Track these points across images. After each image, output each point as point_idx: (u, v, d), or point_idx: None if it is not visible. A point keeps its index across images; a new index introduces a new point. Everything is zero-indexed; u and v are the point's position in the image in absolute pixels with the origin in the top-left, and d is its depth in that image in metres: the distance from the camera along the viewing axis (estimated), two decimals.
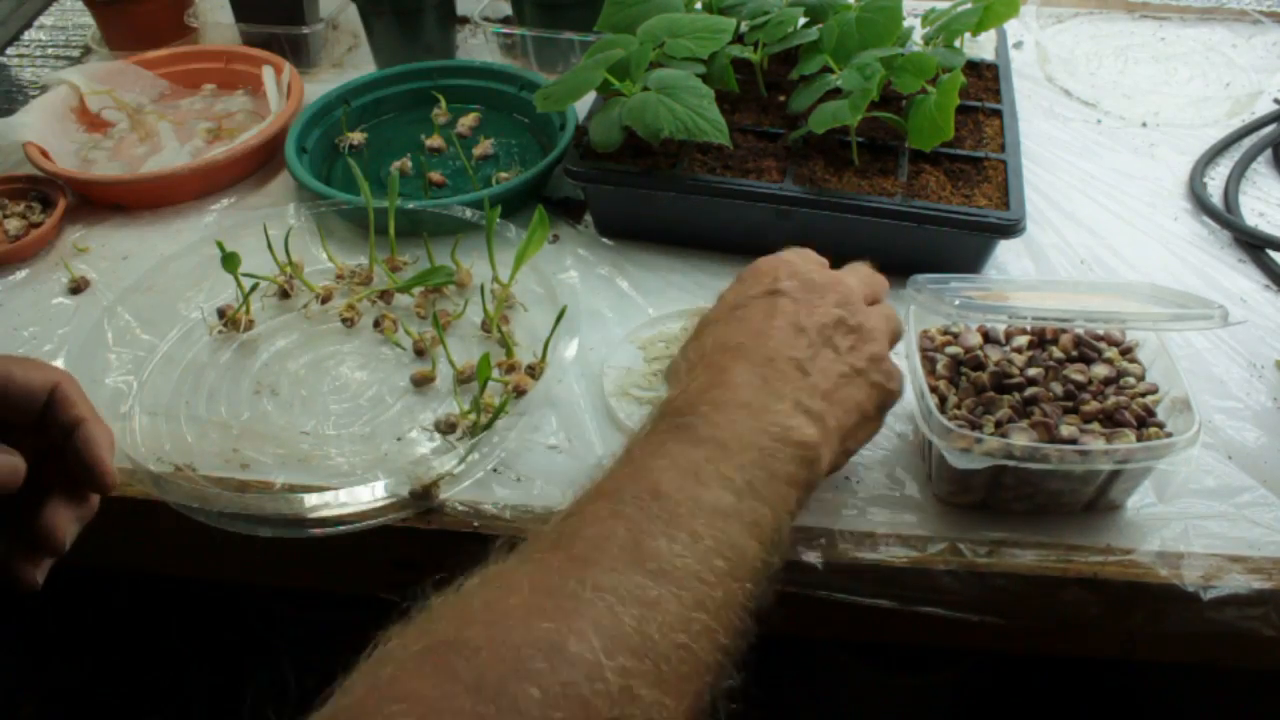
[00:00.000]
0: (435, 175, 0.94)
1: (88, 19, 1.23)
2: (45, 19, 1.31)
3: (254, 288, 0.78)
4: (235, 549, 0.66)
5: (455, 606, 0.43)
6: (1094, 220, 0.90)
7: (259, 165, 0.98)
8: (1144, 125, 1.04)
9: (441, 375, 0.74)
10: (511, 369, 0.74)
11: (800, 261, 0.60)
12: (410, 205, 0.84)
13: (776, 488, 0.49)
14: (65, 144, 0.98)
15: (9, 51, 1.25)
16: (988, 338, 0.69)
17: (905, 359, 0.67)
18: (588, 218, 0.89)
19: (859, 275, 0.61)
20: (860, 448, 0.58)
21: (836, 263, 0.83)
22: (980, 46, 1.06)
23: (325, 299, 0.80)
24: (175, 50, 1.10)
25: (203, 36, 1.17)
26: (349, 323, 0.78)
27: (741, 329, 0.56)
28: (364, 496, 0.64)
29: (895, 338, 0.61)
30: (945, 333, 0.69)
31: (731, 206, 0.81)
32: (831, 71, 0.85)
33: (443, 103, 1.02)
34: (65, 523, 0.52)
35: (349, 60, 1.17)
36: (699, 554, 0.44)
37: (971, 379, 0.65)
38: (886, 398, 0.58)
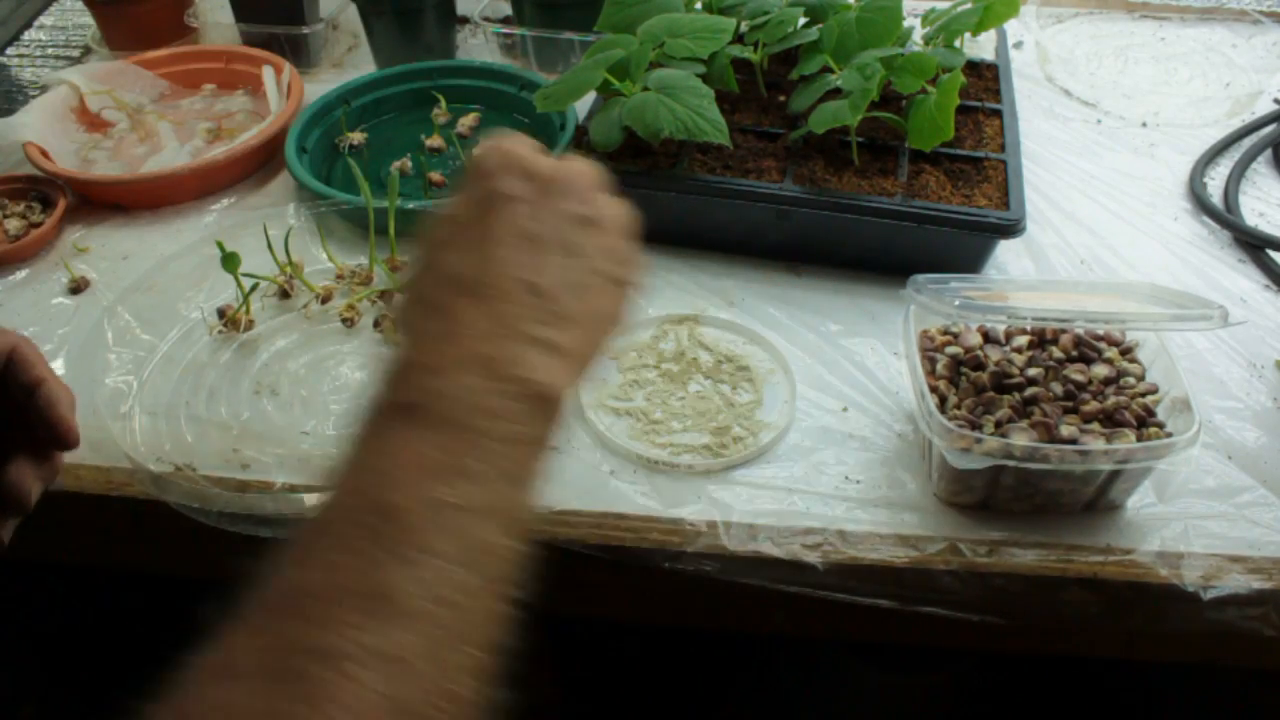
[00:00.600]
0: (435, 175, 0.94)
1: (88, 19, 1.23)
2: (45, 19, 1.31)
3: (254, 288, 0.78)
4: (235, 549, 0.66)
5: (180, 706, 0.38)
6: (1094, 220, 0.90)
7: (259, 165, 0.98)
8: (1144, 125, 1.04)
9: None
10: None
11: (523, 154, 0.52)
12: (410, 205, 0.84)
13: (519, 457, 0.45)
14: (65, 144, 0.98)
15: (9, 51, 1.25)
16: (988, 338, 0.69)
17: (905, 359, 0.67)
18: None
19: (582, 161, 0.54)
20: (605, 352, 0.52)
21: (836, 263, 0.83)
22: (980, 46, 1.06)
23: (325, 299, 0.80)
24: (175, 50, 1.10)
25: (203, 36, 1.17)
26: (349, 323, 0.78)
27: (469, 254, 0.49)
28: None
29: (631, 222, 0.55)
30: (945, 333, 0.69)
31: (731, 206, 0.81)
32: (831, 71, 0.85)
33: (442, 103, 1.02)
34: (30, 481, 0.52)
35: (349, 60, 1.17)
36: (443, 573, 0.40)
37: (971, 379, 0.65)
38: (624, 291, 0.52)
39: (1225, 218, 0.89)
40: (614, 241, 0.52)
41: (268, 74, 1.05)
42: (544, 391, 0.46)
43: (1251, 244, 0.87)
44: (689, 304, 0.80)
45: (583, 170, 0.53)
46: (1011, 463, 0.58)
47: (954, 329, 0.69)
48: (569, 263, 0.50)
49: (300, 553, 0.41)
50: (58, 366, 0.76)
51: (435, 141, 0.99)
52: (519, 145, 0.53)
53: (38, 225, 0.89)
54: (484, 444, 0.44)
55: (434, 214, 0.51)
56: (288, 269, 0.81)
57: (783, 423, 0.70)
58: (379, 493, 0.42)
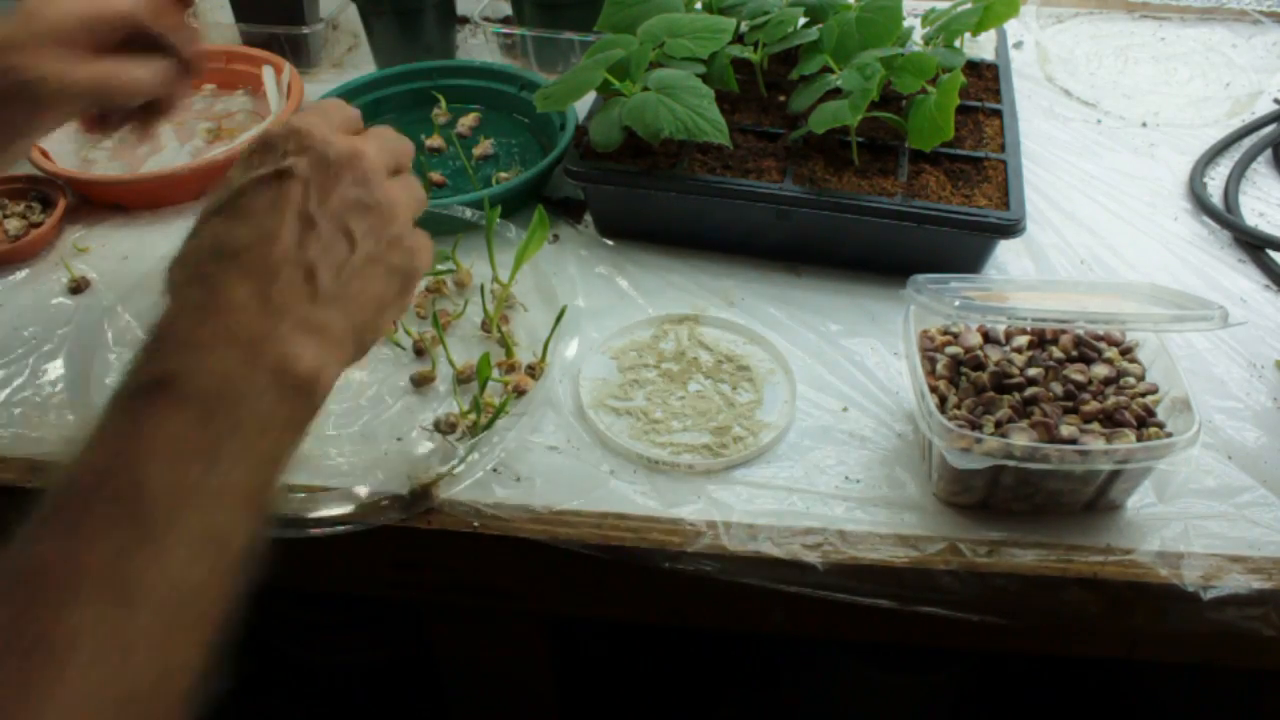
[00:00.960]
0: (435, 175, 0.94)
1: None
2: None
3: None
4: None
5: None
6: (1094, 220, 0.90)
7: None
8: (1144, 125, 1.04)
9: (441, 375, 0.74)
10: (511, 369, 0.74)
11: (318, 126, 0.51)
12: None
13: (274, 441, 0.45)
14: (65, 144, 0.98)
15: None
16: (988, 338, 0.69)
17: (905, 359, 0.67)
18: (588, 218, 0.89)
19: (380, 141, 0.54)
20: (379, 337, 0.54)
21: (836, 263, 0.83)
22: (980, 46, 1.06)
23: None
24: None
25: (203, 36, 1.17)
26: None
27: (244, 227, 0.48)
28: (364, 496, 0.64)
29: (418, 208, 0.54)
30: (945, 333, 0.69)
31: (731, 206, 0.81)
32: (831, 71, 0.85)
33: (442, 103, 1.02)
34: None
35: (349, 60, 1.17)
36: (189, 565, 0.40)
37: (971, 379, 0.65)
38: (409, 279, 0.53)
39: (1225, 218, 0.89)
40: (395, 229, 0.52)
41: (268, 74, 1.05)
42: (306, 377, 0.46)
43: (1251, 244, 0.87)
44: (689, 304, 0.80)
45: (375, 154, 0.52)
46: (1011, 463, 0.58)
47: (954, 329, 0.69)
48: (344, 247, 0.49)
49: (44, 526, 0.41)
50: (57, 366, 0.76)
51: (435, 141, 0.99)
52: (319, 119, 0.52)
53: (38, 225, 0.89)
54: (239, 427, 0.43)
55: (218, 183, 0.51)
56: None
57: (783, 423, 0.70)
58: (129, 472, 0.41)
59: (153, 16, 0.68)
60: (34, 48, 0.62)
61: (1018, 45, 1.17)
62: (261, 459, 0.44)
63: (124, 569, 0.39)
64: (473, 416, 0.69)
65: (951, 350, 0.67)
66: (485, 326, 0.78)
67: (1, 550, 0.40)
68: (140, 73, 0.67)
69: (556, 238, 0.88)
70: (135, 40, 0.67)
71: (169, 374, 0.43)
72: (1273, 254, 0.85)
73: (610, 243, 0.87)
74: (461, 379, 0.73)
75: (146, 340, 0.46)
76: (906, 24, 0.90)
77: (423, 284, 0.82)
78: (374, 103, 1.02)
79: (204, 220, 0.50)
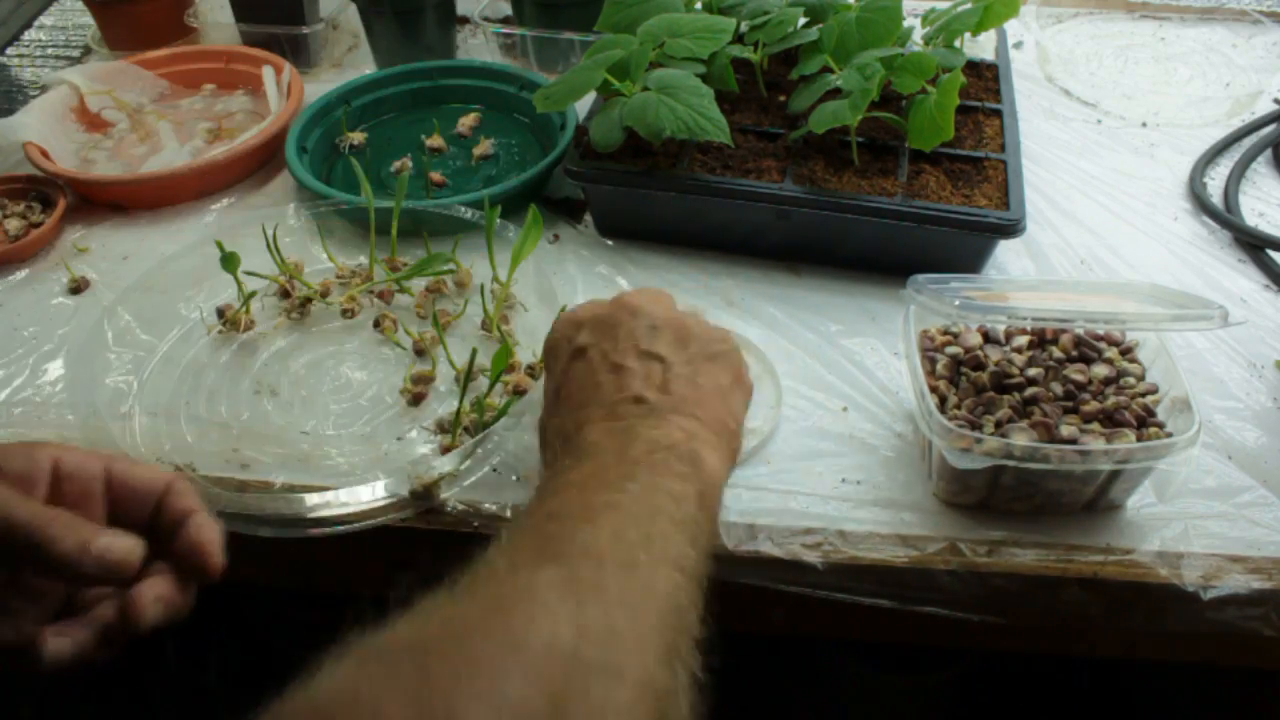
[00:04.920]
0: (436, 175, 0.94)
1: (88, 19, 1.23)
2: (45, 19, 1.31)
3: (252, 294, 0.78)
4: (235, 549, 0.66)
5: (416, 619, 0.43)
6: (1094, 220, 0.90)
7: (259, 165, 0.98)
8: (1144, 125, 1.04)
9: (441, 375, 0.74)
10: (511, 369, 0.74)
11: (582, 309, 0.60)
12: (411, 205, 0.84)
13: (680, 490, 0.49)
14: (65, 144, 0.98)
15: (9, 51, 1.25)
16: (988, 338, 0.69)
17: (905, 359, 0.67)
18: (588, 218, 0.89)
19: (641, 293, 0.61)
20: (743, 419, 0.58)
21: (836, 263, 0.83)
22: (980, 46, 1.06)
23: (324, 294, 0.80)
24: (175, 50, 1.10)
25: (203, 36, 1.17)
26: (349, 314, 0.79)
27: (571, 409, 0.55)
28: (364, 496, 0.64)
29: (692, 315, 0.60)
30: (945, 333, 0.69)
31: (731, 206, 0.81)
32: (831, 71, 0.85)
33: (436, 126, 1.01)
34: (149, 602, 0.50)
35: (349, 60, 1.17)
36: (655, 553, 0.44)
37: (971, 379, 0.65)
38: (730, 361, 0.58)
39: (1225, 218, 0.89)
40: (689, 331, 0.57)
41: (268, 74, 1.05)
42: (672, 442, 0.51)
43: (1251, 244, 0.87)
44: (688, 304, 0.80)
45: (636, 294, 0.59)
46: (1011, 463, 0.58)
47: (954, 329, 0.69)
48: (657, 367, 0.55)
49: (501, 546, 0.47)
50: (57, 366, 0.76)
51: (435, 141, 0.99)
52: (585, 307, 0.60)
53: (38, 225, 0.89)
54: (632, 474, 0.49)
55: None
56: (288, 269, 0.81)
57: (767, 428, 0.70)
58: (589, 494, 0.48)
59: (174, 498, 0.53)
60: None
61: (1018, 45, 1.17)
62: (674, 497, 0.49)
63: (605, 547, 0.44)
64: (474, 416, 0.69)
65: (951, 350, 0.67)
66: (485, 326, 0.78)
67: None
68: (120, 545, 0.48)
69: (557, 237, 0.88)
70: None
71: (576, 458, 0.51)
72: (1273, 254, 0.85)
73: (610, 243, 0.87)
74: (462, 379, 0.73)
75: (544, 490, 0.51)
76: (906, 24, 0.90)
77: (422, 284, 0.82)
78: (374, 103, 1.03)
79: (543, 428, 0.59)
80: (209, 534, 0.52)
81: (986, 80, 0.97)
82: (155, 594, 0.50)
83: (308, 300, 0.80)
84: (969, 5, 0.94)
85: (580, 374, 0.56)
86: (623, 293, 0.60)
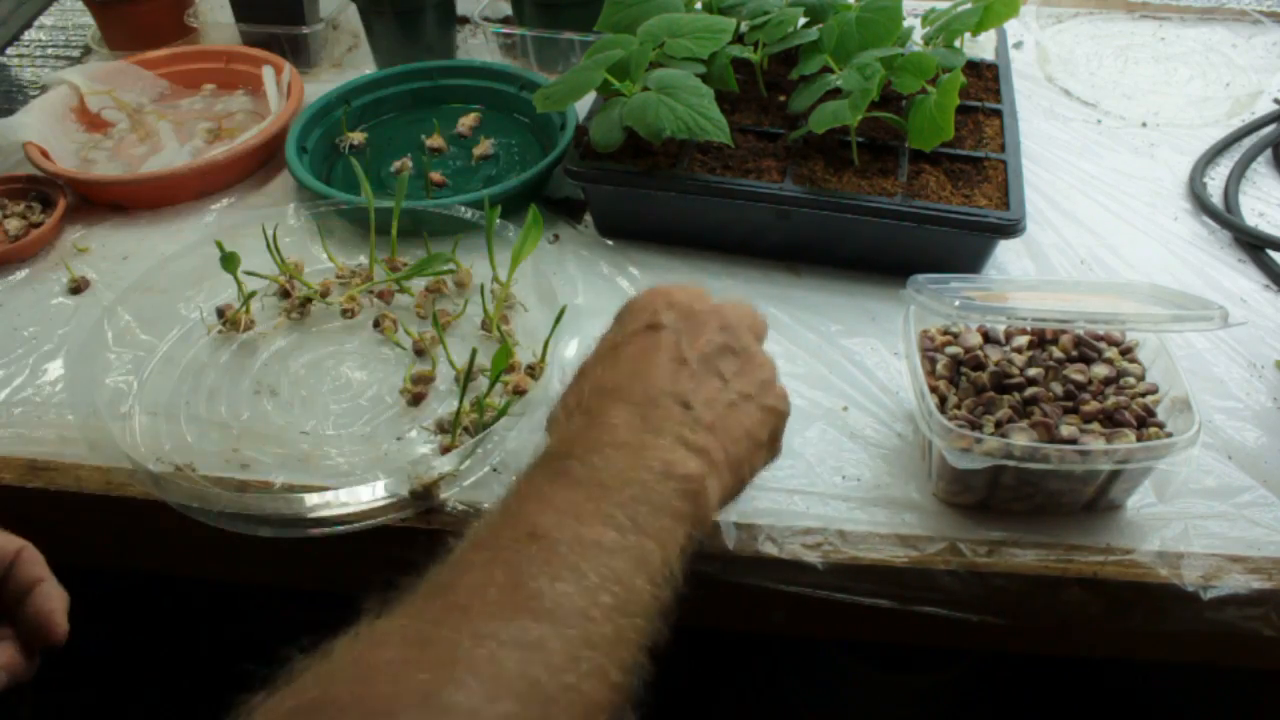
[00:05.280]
0: (436, 175, 0.94)
1: (88, 19, 1.23)
2: (45, 19, 1.31)
3: (252, 294, 0.78)
4: (235, 549, 0.66)
5: (322, 667, 0.40)
6: (1094, 220, 0.90)
7: (259, 165, 0.98)
8: (1144, 125, 1.04)
9: (441, 375, 0.74)
10: (511, 369, 0.74)
11: (679, 292, 0.57)
12: (410, 205, 0.84)
13: (661, 522, 0.47)
14: (65, 144, 0.98)
15: (9, 51, 1.25)
16: (988, 338, 0.69)
17: (905, 359, 0.67)
18: (588, 218, 0.89)
19: (737, 306, 0.58)
20: (756, 475, 0.55)
21: (836, 263, 0.83)
22: (980, 46, 1.06)
23: (324, 294, 0.80)
24: (175, 50, 1.10)
25: (203, 36, 1.17)
26: (349, 314, 0.79)
27: (619, 369, 0.53)
28: (364, 496, 0.64)
29: (775, 372, 0.58)
30: (945, 333, 0.69)
31: (731, 206, 0.81)
32: (831, 71, 0.85)
33: (436, 125, 1.01)
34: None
35: (349, 60, 1.17)
36: (583, 591, 0.42)
37: (971, 379, 0.65)
38: (779, 422, 0.56)
39: (1225, 218, 0.89)
40: (764, 374, 0.56)
41: (268, 74, 1.05)
42: (686, 473, 0.49)
43: (1251, 244, 0.87)
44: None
45: (735, 309, 0.57)
46: (1011, 463, 0.58)
47: (954, 329, 0.69)
48: (717, 384, 0.53)
49: (452, 564, 0.45)
50: (57, 366, 0.76)
51: (435, 141, 0.99)
52: (678, 287, 0.58)
53: (38, 225, 0.89)
54: (623, 500, 0.47)
55: (595, 342, 0.57)
56: (288, 269, 0.81)
57: None
58: (528, 523, 0.45)
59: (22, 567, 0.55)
60: None
61: (1018, 45, 1.17)
62: (653, 535, 0.46)
63: (527, 590, 0.42)
64: (474, 416, 0.69)
65: (951, 350, 0.67)
66: (485, 326, 0.78)
67: (433, 569, 0.45)
68: None
69: (557, 238, 0.88)
70: None
71: (564, 465, 0.48)
72: (1273, 254, 0.85)
73: (610, 243, 0.87)
74: (462, 379, 0.73)
75: (537, 458, 0.50)
76: (906, 24, 0.90)
77: (422, 284, 0.82)
78: (374, 103, 1.03)
79: (582, 371, 0.55)
80: (55, 603, 0.54)
81: (986, 80, 0.97)
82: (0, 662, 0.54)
83: (308, 300, 0.80)
84: (969, 5, 0.94)
85: (645, 345, 0.54)
86: (724, 303, 0.58)
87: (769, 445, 0.56)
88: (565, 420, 0.53)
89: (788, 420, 0.57)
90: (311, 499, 0.63)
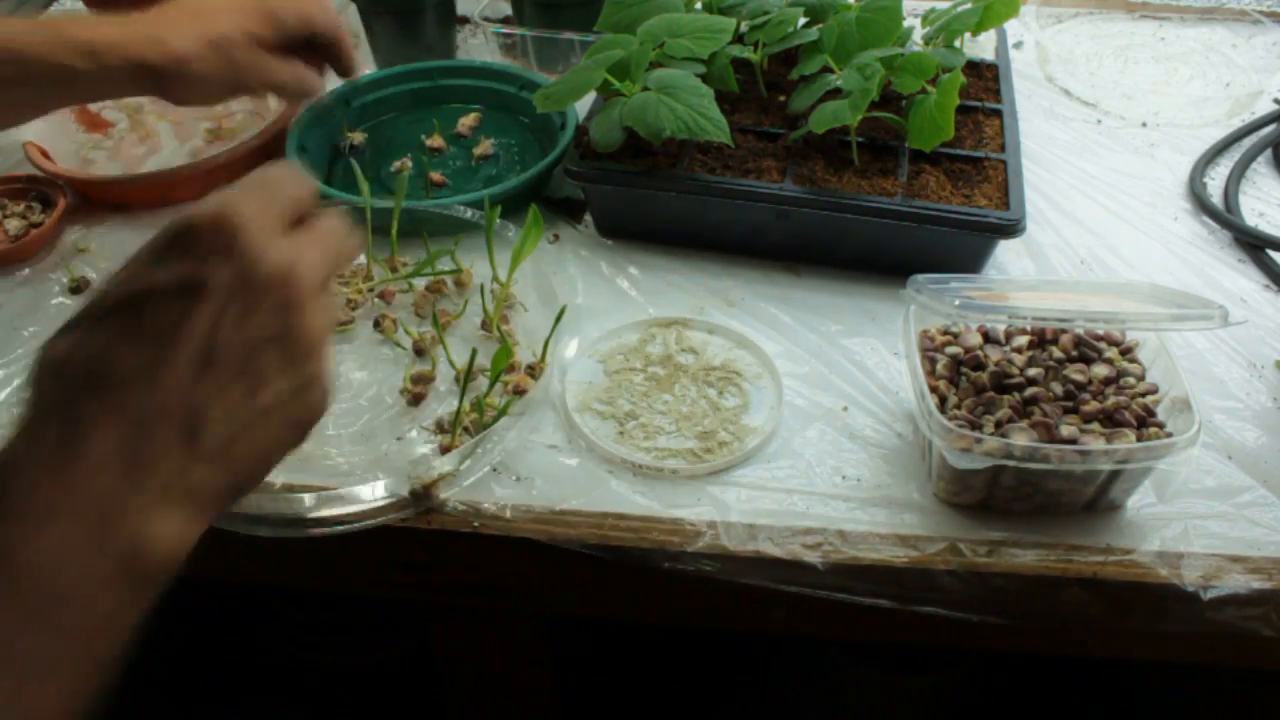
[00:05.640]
0: (436, 175, 0.94)
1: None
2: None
3: None
4: (235, 549, 0.66)
5: None
6: (1094, 220, 0.90)
7: (259, 165, 0.97)
8: (1144, 125, 1.04)
9: (441, 375, 0.74)
10: (511, 369, 0.74)
11: (254, 221, 0.42)
12: (410, 205, 0.84)
13: (96, 643, 0.39)
14: (65, 144, 0.98)
15: None
16: (988, 338, 0.69)
17: (905, 359, 0.67)
18: (588, 218, 0.89)
19: (321, 247, 0.45)
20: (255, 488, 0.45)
21: (836, 263, 0.83)
22: (980, 46, 1.06)
23: None
24: None
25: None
26: (352, 304, 0.79)
27: (132, 351, 0.40)
28: (364, 496, 0.64)
29: (332, 333, 0.46)
30: (945, 333, 0.69)
31: (731, 206, 0.81)
32: (831, 71, 0.85)
33: (436, 125, 1.01)
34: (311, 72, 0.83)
35: None
36: None
37: (971, 379, 0.65)
38: (307, 427, 0.45)
39: (1225, 218, 0.89)
40: (309, 369, 0.44)
41: None
42: (159, 564, 0.39)
43: (1251, 244, 0.87)
44: (689, 304, 0.80)
45: (316, 261, 0.44)
46: (1011, 463, 0.58)
47: (954, 329, 0.69)
48: (242, 390, 0.41)
49: None
50: None
51: (435, 141, 0.99)
52: (260, 207, 0.43)
53: (38, 225, 0.89)
54: (60, 628, 0.37)
55: (126, 263, 0.43)
56: None
57: (769, 427, 0.70)
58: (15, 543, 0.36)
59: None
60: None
61: (1018, 45, 1.17)
62: (77, 658, 0.38)
63: None
64: (474, 416, 0.69)
65: (951, 350, 0.67)
66: (485, 326, 0.78)
67: None
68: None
69: (557, 238, 0.88)
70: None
71: (3, 534, 0.37)
72: (1273, 254, 0.85)
73: (610, 243, 0.87)
74: (462, 379, 0.73)
75: None
76: (906, 24, 0.90)
77: (422, 283, 0.82)
78: (374, 103, 1.02)
79: (91, 319, 0.41)
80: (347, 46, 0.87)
81: (986, 80, 0.97)
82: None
83: None
84: (969, 5, 0.94)
85: (173, 321, 0.40)
86: (305, 245, 0.44)
87: (287, 454, 0.45)
88: (47, 412, 0.39)
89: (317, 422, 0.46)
90: (311, 499, 0.64)
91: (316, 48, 0.85)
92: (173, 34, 0.75)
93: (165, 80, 0.76)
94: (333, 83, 1.03)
